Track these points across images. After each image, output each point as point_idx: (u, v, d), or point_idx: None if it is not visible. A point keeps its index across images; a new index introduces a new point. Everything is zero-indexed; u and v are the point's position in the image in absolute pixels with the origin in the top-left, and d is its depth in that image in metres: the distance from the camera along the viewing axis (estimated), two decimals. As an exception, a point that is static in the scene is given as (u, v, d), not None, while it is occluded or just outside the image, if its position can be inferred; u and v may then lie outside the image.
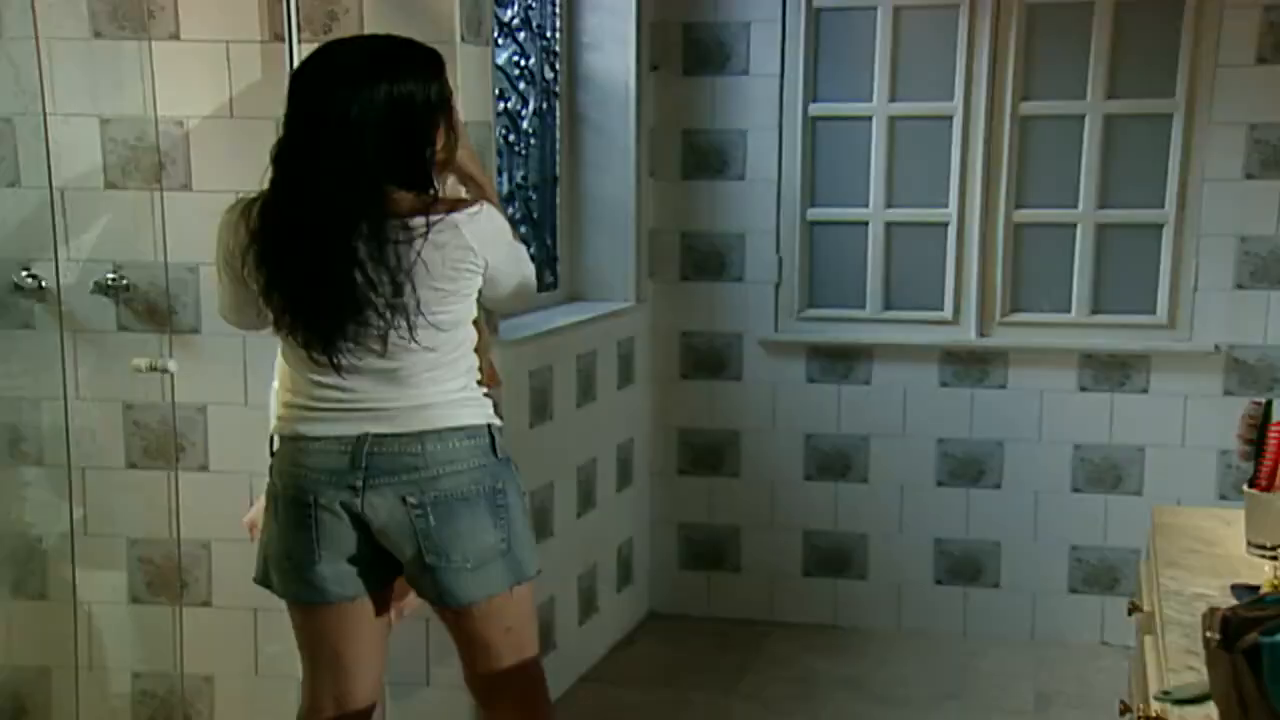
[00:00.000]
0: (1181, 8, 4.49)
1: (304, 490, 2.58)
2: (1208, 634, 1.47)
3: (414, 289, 2.50)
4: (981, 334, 4.72)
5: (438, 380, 2.59)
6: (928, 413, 4.76)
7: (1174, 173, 4.55)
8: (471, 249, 2.55)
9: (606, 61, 4.71)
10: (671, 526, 5.04)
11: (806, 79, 4.79)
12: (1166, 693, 1.65)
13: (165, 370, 3.22)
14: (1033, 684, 4.38)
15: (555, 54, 4.72)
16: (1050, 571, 4.74)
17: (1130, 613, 2.47)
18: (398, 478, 2.55)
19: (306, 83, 2.54)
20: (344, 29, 3.31)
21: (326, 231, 2.47)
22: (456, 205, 2.58)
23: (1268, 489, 2.28)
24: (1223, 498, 4.51)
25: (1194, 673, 1.73)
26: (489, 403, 2.70)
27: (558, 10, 4.70)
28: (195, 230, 3.33)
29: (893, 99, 4.75)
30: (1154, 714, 1.83)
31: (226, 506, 3.38)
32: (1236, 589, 2.07)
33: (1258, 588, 2.05)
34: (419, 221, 2.49)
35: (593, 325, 4.44)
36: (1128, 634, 4.61)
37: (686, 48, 4.84)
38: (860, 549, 4.87)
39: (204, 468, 3.46)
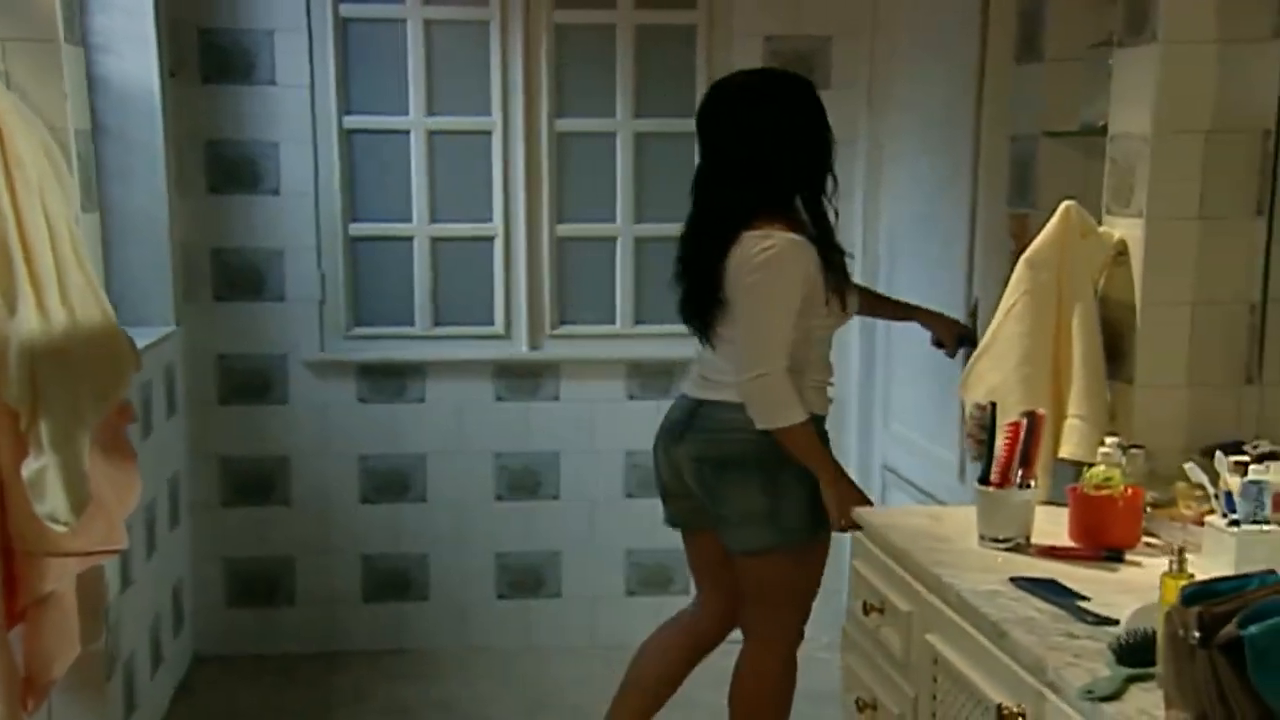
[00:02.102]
0: (694, 33, 4.76)
1: (658, 437, 3.36)
2: (1181, 633, 1.59)
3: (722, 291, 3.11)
4: (533, 347, 4.77)
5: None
6: (484, 428, 4.75)
7: (701, 189, 4.80)
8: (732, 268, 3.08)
9: (123, 65, 4.30)
10: (217, 562, 4.71)
11: (339, 91, 4.63)
12: (1089, 691, 1.77)
13: None
14: (612, 687, 4.47)
15: (65, 55, 4.28)
16: (608, 577, 4.86)
17: (867, 613, 2.61)
18: (699, 435, 3.20)
19: (699, 114, 3.25)
20: (-88, 22, 2.90)
21: (694, 236, 3.22)
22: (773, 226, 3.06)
23: (1000, 485, 2.48)
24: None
25: (1080, 669, 1.86)
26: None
27: (61, 7, 4.26)
28: None
29: (430, 113, 4.69)
30: (1018, 709, 1.97)
31: None
32: (1018, 581, 2.25)
33: (1046, 581, 2.24)
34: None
35: (151, 352, 4.06)
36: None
37: (205, 54, 4.55)
38: (421, 569, 4.79)
39: None
